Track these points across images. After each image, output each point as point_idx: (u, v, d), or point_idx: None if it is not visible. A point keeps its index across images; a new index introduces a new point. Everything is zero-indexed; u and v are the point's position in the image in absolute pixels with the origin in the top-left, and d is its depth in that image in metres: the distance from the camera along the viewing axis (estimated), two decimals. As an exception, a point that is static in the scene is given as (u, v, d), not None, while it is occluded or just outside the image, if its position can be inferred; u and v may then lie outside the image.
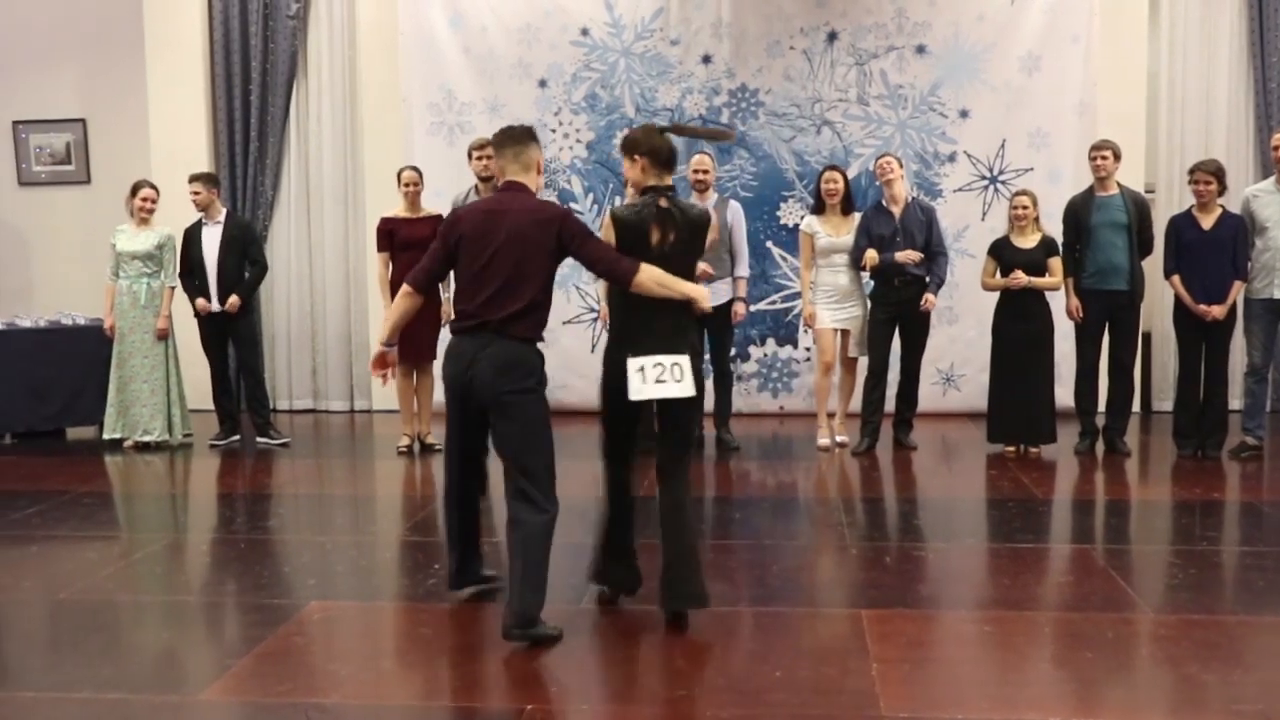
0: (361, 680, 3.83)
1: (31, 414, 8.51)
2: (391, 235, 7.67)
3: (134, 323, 8.05)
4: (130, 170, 9.24)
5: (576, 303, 9.26)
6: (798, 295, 8.90)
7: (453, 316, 4.37)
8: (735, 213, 7.69)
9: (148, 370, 8.08)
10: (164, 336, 8.09)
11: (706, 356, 7.79)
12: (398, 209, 7.80)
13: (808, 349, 9.04)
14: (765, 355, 9.20)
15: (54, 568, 5.22)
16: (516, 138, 4.39)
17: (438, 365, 7.99)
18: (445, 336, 7.99)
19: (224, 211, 8.26)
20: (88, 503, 6.54)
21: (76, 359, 8.54)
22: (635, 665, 3.92)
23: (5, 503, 6.49)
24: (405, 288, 4.42)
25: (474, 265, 4.21)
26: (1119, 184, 7.38)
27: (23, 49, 10.26)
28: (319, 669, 3.94)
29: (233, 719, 3.56)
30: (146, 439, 8.10)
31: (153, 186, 8.14)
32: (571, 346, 9.25)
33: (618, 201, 8.98)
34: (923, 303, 7.45)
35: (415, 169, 7.90)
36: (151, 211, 8.09)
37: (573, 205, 9.18)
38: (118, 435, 8.15)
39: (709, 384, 7.86)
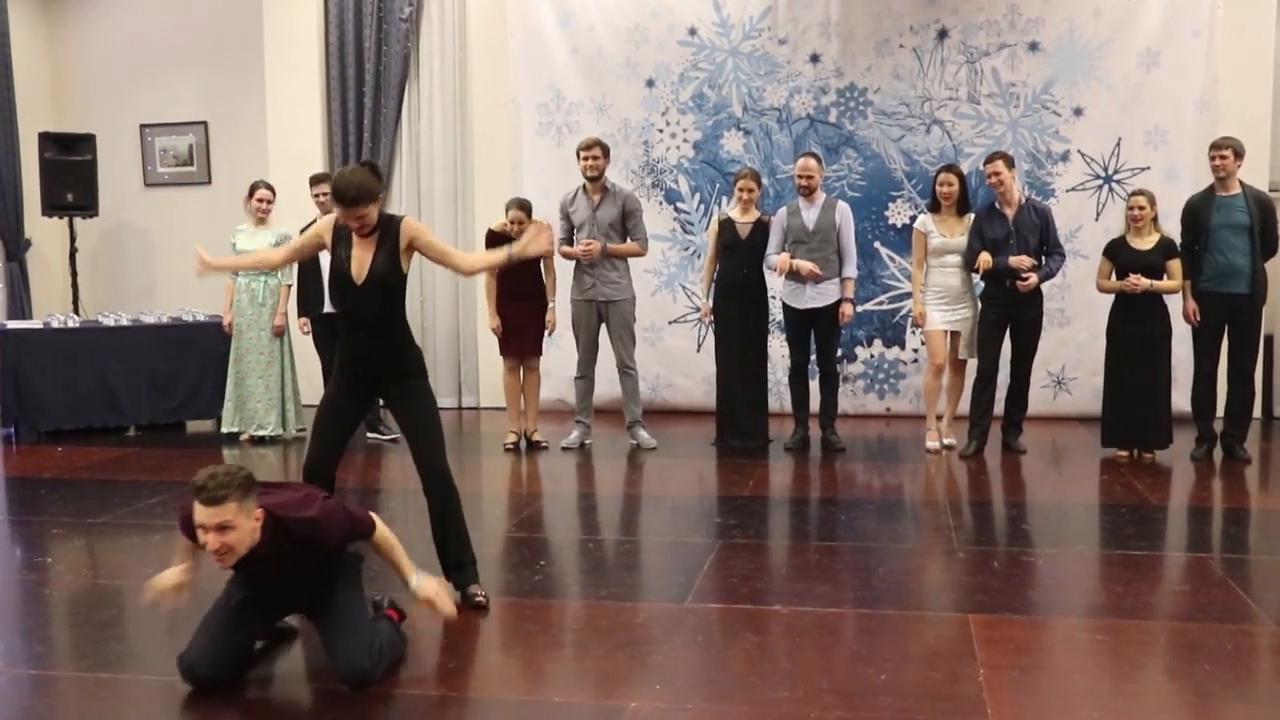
0: (468, 674, 3.89)
1: (154, 408, 8.79)
2: (500, 243, 7.71)
3: (251, 320, 8.27)
4: (249, 171, 9.53)
5: (683, 302, 9.28)
6: (905, 296, 8.81)
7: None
8: (843, 213, 7.64)
9: (263, 366, 8.30)
10: (280, 334, 8.30)
11: (813, 357, 7.77)
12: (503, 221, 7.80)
13: (915, 350, 8.94)
14: (872, 356, 9.12)
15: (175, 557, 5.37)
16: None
17: (544, 362, 8.17)
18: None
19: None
20: (206, 494, 6.72)
21: (196, 355, 8.78)
22: (738, 665, 3.91)
23: (130, 493, 6.72)
24: None
25: None
26: (1242, 183, 7.16)
27: (148, 55, 10.62)
28: (427, 662, 4.01)
29: (344, 707, 3.63)
30: (261, 433, 8.32)
31: (269, 187, 8.34)
32: (677, 346, 9.27)
33: (724, 202, 8.98)
34: (1020, 273, 7.24)
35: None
36: (268, 211, 8.29)
37: (679, 205, 9.20)
38: (234, 429, 8.38)
39: (814, 384, 7.83)
